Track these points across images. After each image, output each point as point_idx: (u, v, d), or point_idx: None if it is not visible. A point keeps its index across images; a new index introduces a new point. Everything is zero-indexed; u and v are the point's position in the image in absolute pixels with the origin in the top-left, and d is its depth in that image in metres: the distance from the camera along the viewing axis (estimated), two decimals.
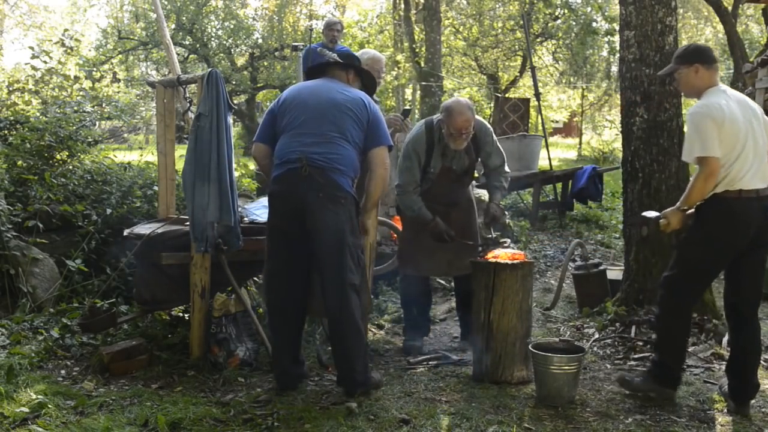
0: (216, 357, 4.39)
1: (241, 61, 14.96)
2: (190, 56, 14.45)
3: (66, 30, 10.56)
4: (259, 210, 5.09)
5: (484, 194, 6.77)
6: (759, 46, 17.22)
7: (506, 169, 4.99)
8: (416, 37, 17.52)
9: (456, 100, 4.75)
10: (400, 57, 19.80)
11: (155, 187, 5.86)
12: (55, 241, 5.90)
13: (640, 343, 4.76)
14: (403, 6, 18.28)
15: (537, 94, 11.46)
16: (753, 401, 3.79)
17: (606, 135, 22.58)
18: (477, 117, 4.83)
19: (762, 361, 4.19)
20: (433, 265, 4.99)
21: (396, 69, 19.70)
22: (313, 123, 3.94)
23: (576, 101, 24.34)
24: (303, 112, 3.98)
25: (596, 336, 5.07)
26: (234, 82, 13.26)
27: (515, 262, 4.33)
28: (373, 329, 5.36)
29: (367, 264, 4.28)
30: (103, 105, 8.13)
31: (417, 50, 17.21)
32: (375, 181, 4.06)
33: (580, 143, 22.38)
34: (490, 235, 5.00)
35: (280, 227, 3.99)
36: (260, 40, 14.73)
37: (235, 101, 13.95)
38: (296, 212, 3.88)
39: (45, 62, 8.97)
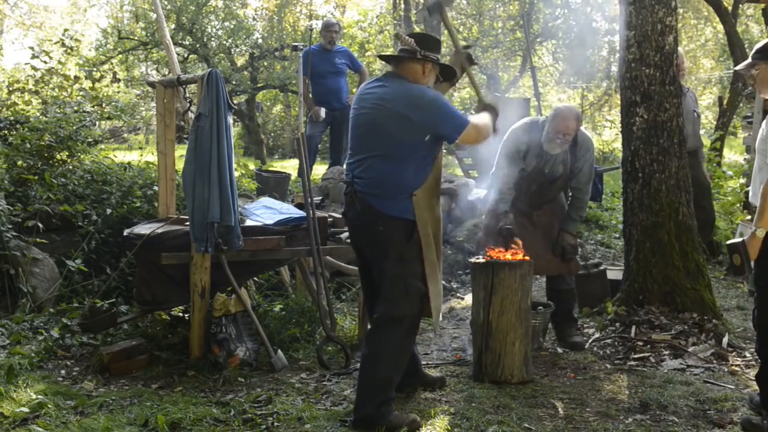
0: (216, 357, 4.39)
1: (241, 61, 14.94)
2: (190, 56, 14.44)
3: (66, 30, 10.51)
4: (259, 210, 5.09)
5: (482, 193, 6.76)
6: None
7: (586, 196, 5.03)
8: None
9: (567, 106, 4.92)
10: None
11: (155, 187, 5.85)
12: (55, 241, 5.90)
13: (640, 343, 4.76)
14: (403, 6, 18.26)
15: (537, 94, 11.48)
16: None
17: (606, 135, 22.54)
18: (582, 130, 4.94)
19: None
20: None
21: None
22: (358, 139, 3.73)
23: (576, 101, 24.32)
24: (354, 125, 3.77)
25: (596, 336, 5.07)
26: (234, 82, 13.24)
27: (514, 261, 4.33)
28: None
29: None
30: (103, 105, 8.11)
31: None
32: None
33: None
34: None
35: (355, 251, 3.98)
36: (260, 40, 14.70)
37: (235, 101, 13.94)
38: (354, 236, 3.89)
39: (45, 62, 8.96)
